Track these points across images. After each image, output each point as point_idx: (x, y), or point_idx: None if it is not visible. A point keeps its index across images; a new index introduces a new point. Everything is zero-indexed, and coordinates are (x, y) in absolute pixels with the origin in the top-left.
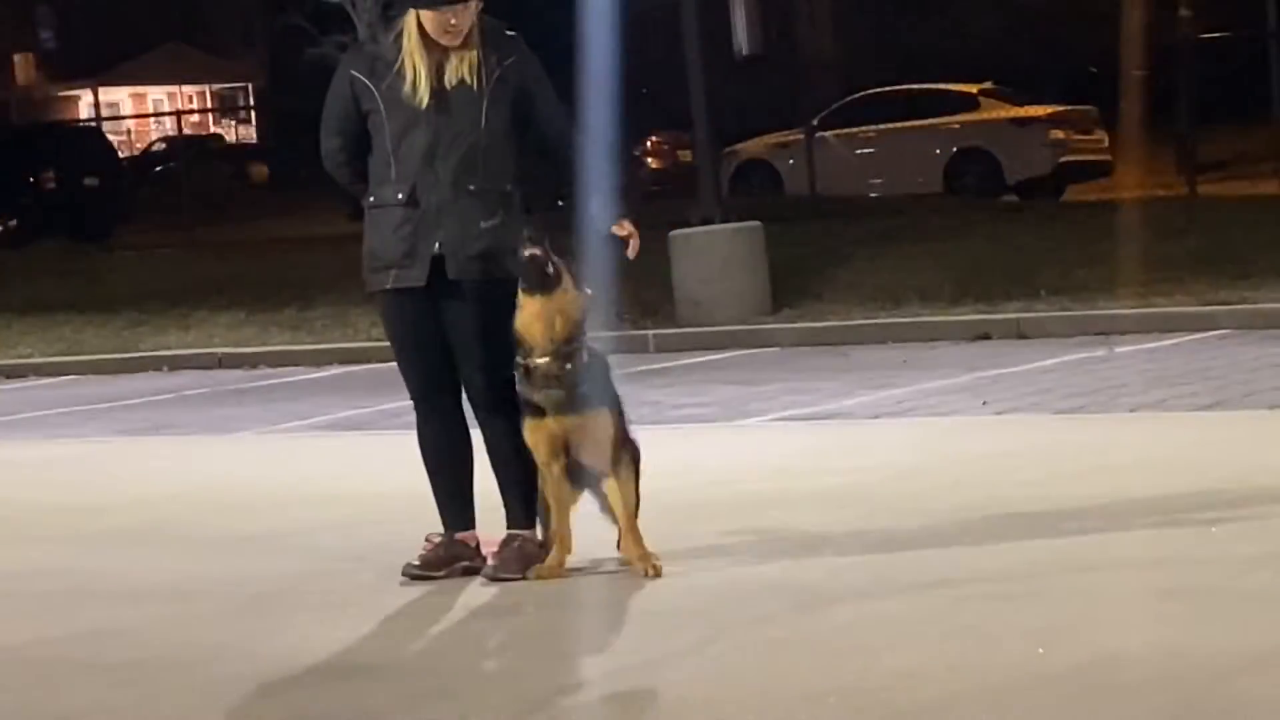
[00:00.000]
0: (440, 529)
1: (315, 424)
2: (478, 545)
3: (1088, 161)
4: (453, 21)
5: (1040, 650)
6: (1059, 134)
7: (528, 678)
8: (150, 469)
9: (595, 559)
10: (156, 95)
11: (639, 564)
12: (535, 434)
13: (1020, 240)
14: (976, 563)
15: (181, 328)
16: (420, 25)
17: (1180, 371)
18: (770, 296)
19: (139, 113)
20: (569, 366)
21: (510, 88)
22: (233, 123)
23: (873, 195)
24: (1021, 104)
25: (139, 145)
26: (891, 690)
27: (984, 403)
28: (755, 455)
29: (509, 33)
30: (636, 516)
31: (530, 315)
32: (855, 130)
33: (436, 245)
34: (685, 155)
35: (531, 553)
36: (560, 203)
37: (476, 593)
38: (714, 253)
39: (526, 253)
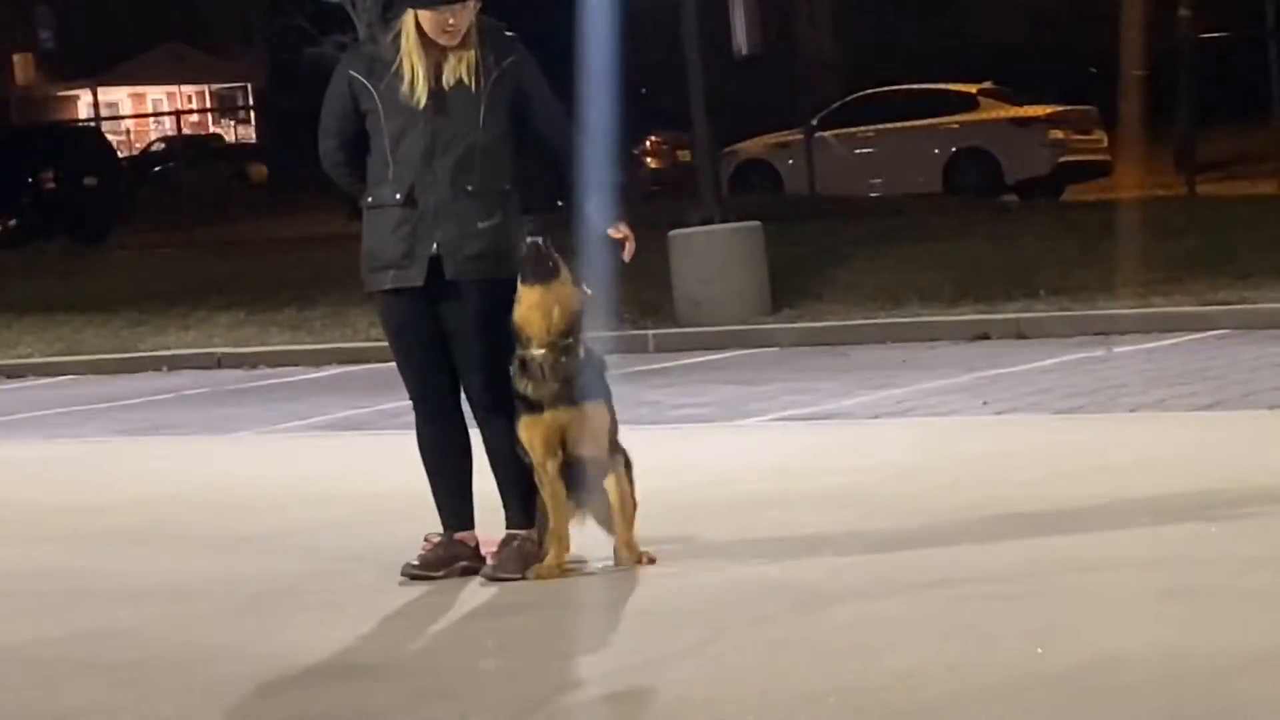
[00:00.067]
0: (439, 529)
1: (314, 424)
2: (477, 545)
3: (1087, 161)
4: (451, 21)
5: (1040, 650)
6: (1058, 134)
7: (527, 677)
8: (149, 469)
9: (594, 559)
10: (156, 95)
11: (626, 551)
12: (531, 430)
13: (1020, 240)
14: (976, 563)
15: (181, 328)
16: (418, 25)
17: (1179, 371)
18: (770, 296)
19: (138, 113)
20: (566, 359)
21: (508, 88)
22: (232, 123)
23: (872, 195)
24: (1021, 104)
25: (138, 145)
26: (891, 690)
27: (983, 403)
28: (755, 455)
29: (507, 33)
30: (634, 517)
31: (529, 306)
32: (855, 130)
33: (434, 246)
34: (684, 155)
35: (530, 552)
36: (560, 203)
37: (475, 593)
38: (713, 253)
39: (529, 240)
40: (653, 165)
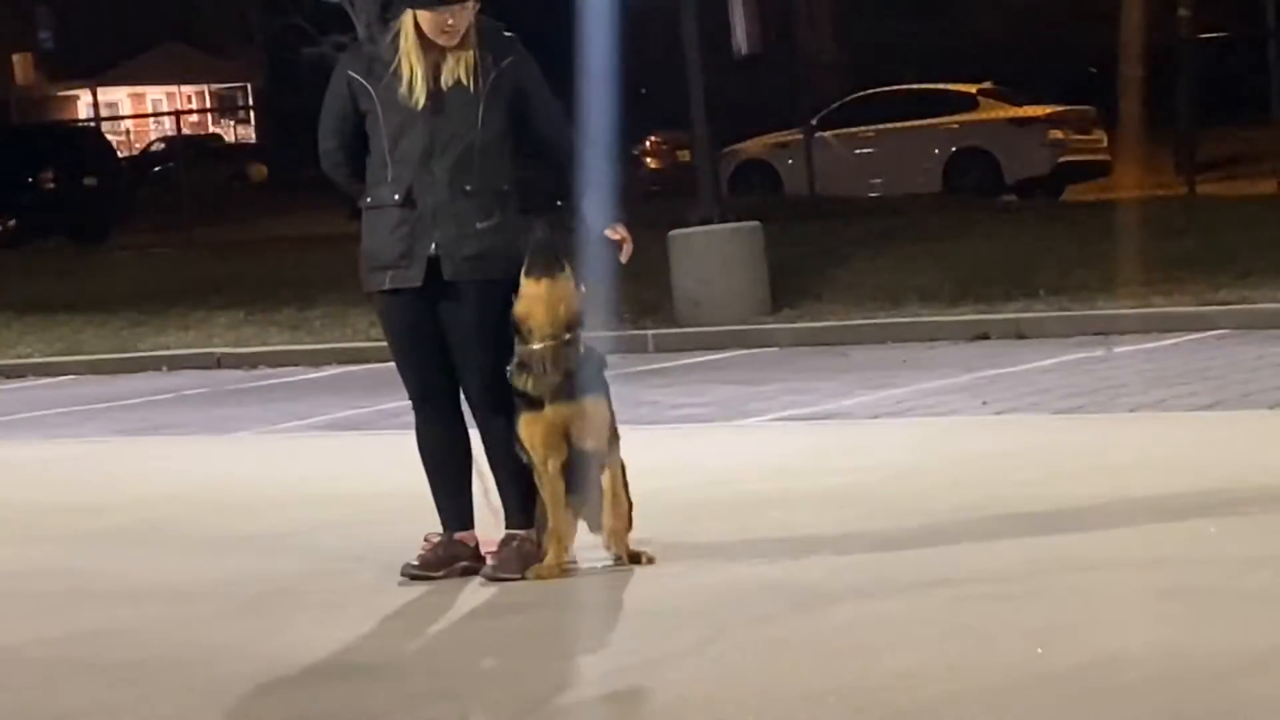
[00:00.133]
0: (439, 529)
1: (314, 424)
2: (477, 545)
3: (1087, 161)
4: (450, 22)
5: (1040, 650)
6: (1058, 134)
7: (527, 677)
8: (149, 469)
9: (594, 559)
10: (155, 95)
11: (612, 538)
12: (532, 427)
13: (1020, 240)
14: (976, 563)
15: (180, 328)
16: (417, 25)
17: (1179, 371)
18: (769, 296)
19: (138, 113)
20: (568, 352)
21: (507, 88)
22: (231, 123)
23: (872, 195)
24: (1020, 104)
25: (138, 145)
26: (891, 690)
27: (983, 403)
28: (754, 455)
29: (506, 33)
30: (629, 515)
31: (533, 299)
32: (854, 130)
33: (433, 246)
34: (684, 155)
35: (530, 552)
36: (559, 203)
37: (475, 593)
38: (713, 253)
39: (539, 233)
40: (652, 165)
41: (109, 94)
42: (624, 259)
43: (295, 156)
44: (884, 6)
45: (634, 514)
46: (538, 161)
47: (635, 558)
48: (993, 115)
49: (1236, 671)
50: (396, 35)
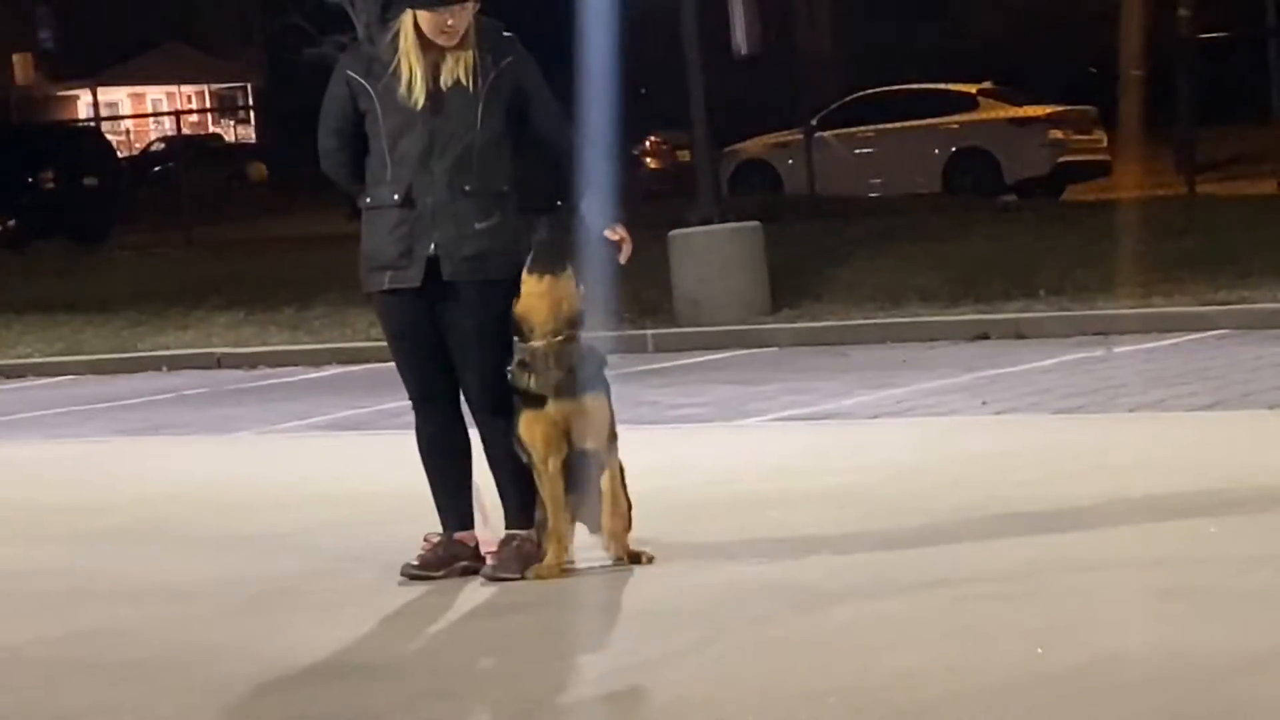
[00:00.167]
0: (439, 529)
1: (314, 424)
2: (476, 545)
3: (1086, 161)
4: (449, 22)
5: (1039, 650)
6: (1058, 134)
7: (527, 677)
8: (149, 469)
9: (594, 559)
10: (155, 95)
11: (610, 538)
12: (533, 425)
13: (1019, 240)
14: (976, 563)
15: (180, 327)
16: (417, 26)
17: (1179, 371)
18: (769, 296)
19: (138, 113)
20: (570, 349)
21: (506, 88)
22: (231, 123)
23: (872, 195)
24: (1020, 104)
25: (138, 145)
26: (891, 690)
27: (983, 403)
28: (754, 455)
29: (505, 33)
30: (629, 515)
31: (536, 296)
32: (854, 130)
33: (432, 246)
34: (684, 155)
35: (530, 552)
36: (559, 203)
37: (475, 593)
38: (713, 253)
39: (543, 232)
40: (652, 165)
41: (109, 94)
42: (623, 259)
43: (295, 156)
44: (884, 6)
45: (633, 514)
46: (538, 161)
47: (635, 558)
48: (993, 115)
49: (1236, 671)
50: (396, 35)
